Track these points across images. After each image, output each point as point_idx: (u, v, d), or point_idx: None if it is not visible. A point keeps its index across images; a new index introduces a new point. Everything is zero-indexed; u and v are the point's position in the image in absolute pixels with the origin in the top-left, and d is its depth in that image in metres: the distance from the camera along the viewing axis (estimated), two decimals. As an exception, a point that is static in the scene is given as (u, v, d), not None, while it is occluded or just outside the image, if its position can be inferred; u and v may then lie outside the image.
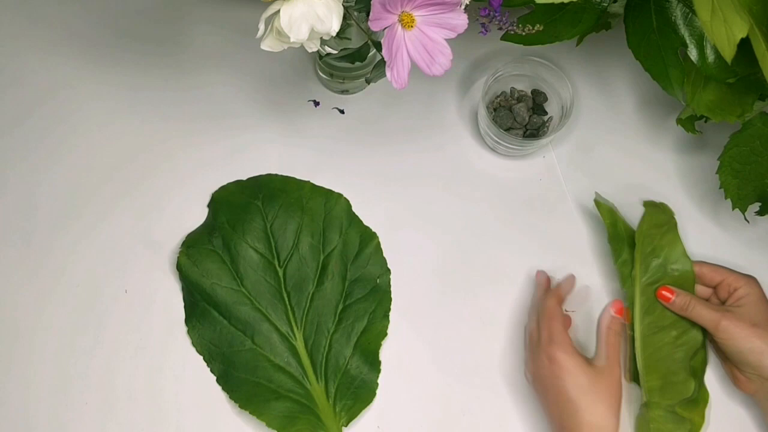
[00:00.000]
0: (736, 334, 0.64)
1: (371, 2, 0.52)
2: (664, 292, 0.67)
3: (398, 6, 0.54)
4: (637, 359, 0.68)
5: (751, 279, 0.67)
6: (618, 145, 0.78)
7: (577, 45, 0.73)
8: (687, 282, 0.68)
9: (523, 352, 0.71)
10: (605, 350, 0.66)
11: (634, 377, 0.68)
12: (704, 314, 0.66)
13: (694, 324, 0.67)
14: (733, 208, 0.69)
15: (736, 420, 0.70)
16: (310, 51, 0.56)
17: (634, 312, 0.69)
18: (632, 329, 0.69)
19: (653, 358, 0.67)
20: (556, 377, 0.64)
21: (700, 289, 0.69)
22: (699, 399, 0.68)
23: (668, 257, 0.69)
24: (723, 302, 0.68)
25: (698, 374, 0.68)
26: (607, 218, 0.72)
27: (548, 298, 0.68)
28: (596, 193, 0.72)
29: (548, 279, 0.72)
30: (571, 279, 0.72)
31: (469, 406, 0.71)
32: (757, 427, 0.69)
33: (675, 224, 0.70)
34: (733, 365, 0.67)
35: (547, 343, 0.65)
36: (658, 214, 0.70)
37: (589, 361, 0.65)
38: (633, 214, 0.73)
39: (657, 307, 0.68)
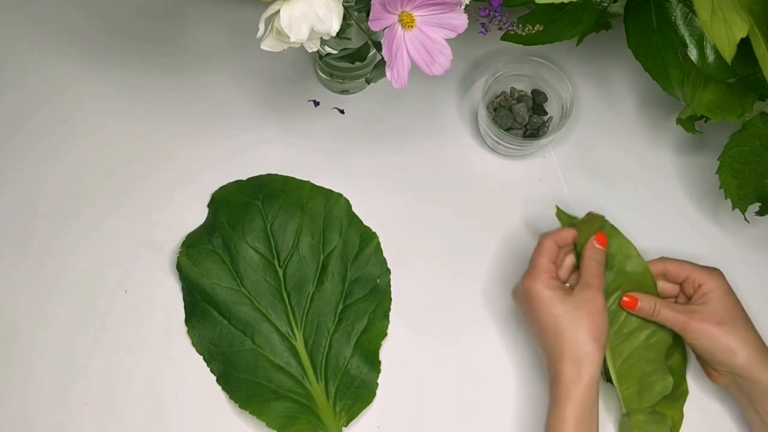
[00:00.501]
0: (704, 334, 0.64)
1: (371, 2, 0.52)
2: (627, 299, 0.66)
3: (398, 6, 0.54)
4: (610, 371, 0.67)
5: (716, 273, 0.67)
6: (618, 145, 0.78)
7: (577, 45, 0.73)
8: (646, 283, 0.67)
9: (525, 351, 0.71)
10: (586, 278, 0.65)
11: (608, 379, 0.68)
12: (671, 317, 0.65)
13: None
14: (733, 208, 0.69)
15: (714, 414, 0.70)
16: (310, 51, 0.56)
17: None
18: None
19: (626, 366, 0.67)
20: (531, 308, 0.64)
21: (667, 286, 0.68)
22: (678, 395, 0.68)
23: (622, 264, 0.68)
24: (689, 298, 0.67)
25: (678, 372, 0.68)
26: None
27: (546, 238, 0.67)
28: (557, 206, 0.71)
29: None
30: (573, 232, 0.69)
31: (469, 406, 0.70)
32: (734, 419, 0.69)
33: (612, 227, 0.68)
34: (705, 362, 0.67)
35: (527, 274, 0.65)
36: (590, 227, 0.68)
37: (567, 291, 0.64)
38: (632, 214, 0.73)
39: (620, 314, 0.67)
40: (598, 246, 0.66)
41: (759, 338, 0.64)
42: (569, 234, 0.67)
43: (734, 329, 0.64)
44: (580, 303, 0.63)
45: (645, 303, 0.66)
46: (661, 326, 0.67)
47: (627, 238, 0.68)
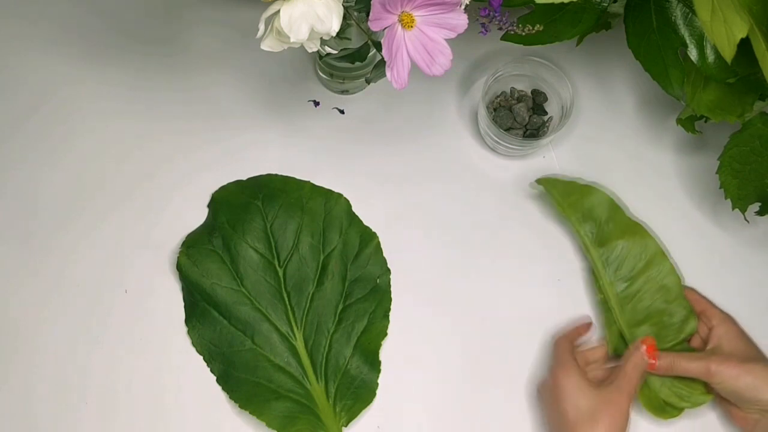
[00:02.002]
0: (728, 375, 0.64)
1: (371, 2, 0.52)
2: (647, 360, 0.66)
3: (398, 6, 0.54)
4: (619, 323, 0.69)
5: (728, 316, 0.68)
6: (618, 145, 0.78)
7: (577, 45, 0.73)
8: (674, 293, 0.70)
9: (526, 351, 0.72)
10: (620, 381, 0.65)
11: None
12: (692, 367, 0.65)
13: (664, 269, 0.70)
14: (733, 208, 0.69)
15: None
16: (310, 51, 0.56)
17: (600, 281, 0.70)
18: (602, 293, 0.70)
19: (637, 310, 0.69)
20: (557, 399, 0.64)
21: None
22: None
23: (649, 267, 0.70)
24: (703, 340, 0.69)
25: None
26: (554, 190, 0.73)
27: (561, 338, 0.69)
28: (536, 181, 0.74)
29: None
30: (587, 325, 0.71)
31: (469, 406, 0.70)
32: None
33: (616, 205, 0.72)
34: (731, 403, 0.67)
35: (553, 367, 0.66)
36: (584, 197, 0.72)
37: (594, 386, 0.65)
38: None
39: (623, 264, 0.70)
40: (646, 357, 0.66)
41: None
42: (582, 329, 0.70)
43: (756, 366, 0.64)
44: (606, 401, 0.63)
45: (663, 361, 0.66)
46: (666, 274, 0.69)
47: (633, 221, 0.72)
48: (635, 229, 0.71)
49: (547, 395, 0.66)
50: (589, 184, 0.73)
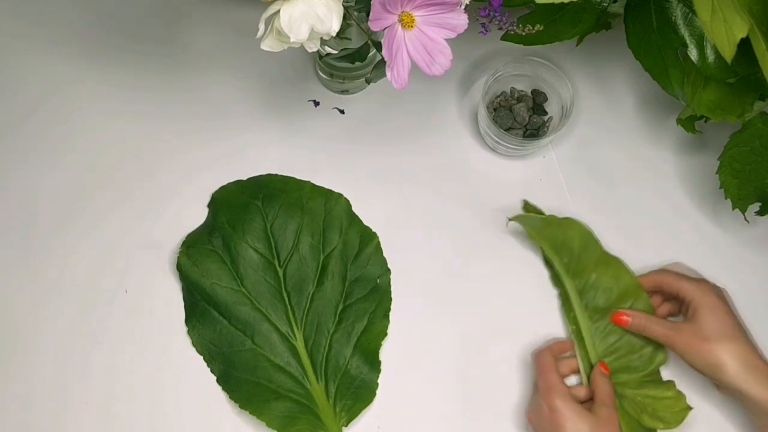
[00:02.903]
0: (690, 350, 0.65)
1: (371, 2, 0.52)
2: (622, 318, 0.68)
3: (398, 6, 0.54)
4: (591, 354, 0.69)
5: (705, 288, 0.67)
6: (618, 145, 0.78)
7: (577, 45, 0.73)
8: (635, 293, 0.70)
9: (526, 350, 0.72)
10: (601, 397, 0.66)
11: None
12: (659, 332, 0.67)
13: (632, 287, 0.70)
14: (733, 208, 0.69)
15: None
16: (310, 51, 0.56)
17: (572, 313, 0.71)
18: (574, 324, 0.71)
19: (608, 342, 0.69)
20: (557, 426, 0.64)
21: (663, 308, 0.71)
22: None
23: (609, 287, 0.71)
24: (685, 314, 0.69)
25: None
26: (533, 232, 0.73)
27: (543, 352, 0.69)
28: (524, 200, 0.75)
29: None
30: (567, 343, 0.72)
31: (469, 406, 0.71)
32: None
33: (593, 239, 0.72)
34: None
35: (545, 393, 0.66)
36: (565, 230, 0.72)
37: (586, 407, 0.66)
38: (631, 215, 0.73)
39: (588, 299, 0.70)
40: (604, 372, 0.68)
41: (751, 352, 0.64)
42: (564, 345, 0.71)
43: (720, 345, 0.64)
44: (604, 421, 0.64)
45: (635, 320, 0.68)
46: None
47: (608, 254, 0.71)
48: (609, 262, 0.71)
49: (544, 423, 0.65)
50: (567, 217, 0.72)
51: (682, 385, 0.69)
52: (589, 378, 0.69)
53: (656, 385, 0.69)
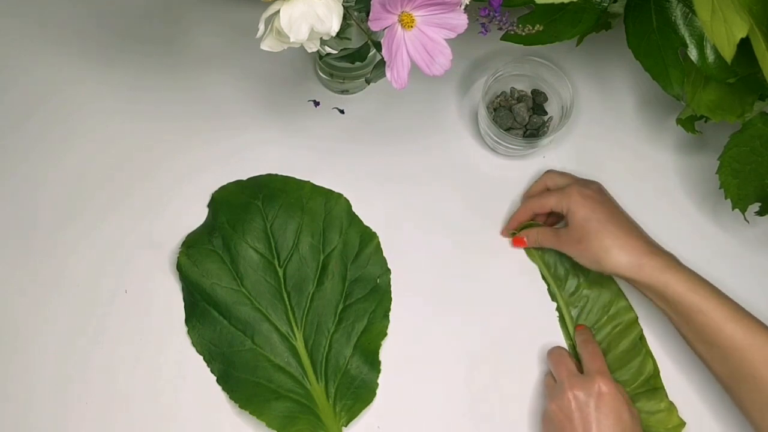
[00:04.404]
0: (573, 253, 0.69)
1: (371, 2, 0.52)
2: (521, 241, 0.74)
3: (398, 6, 0.54)
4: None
5: (568, 194, 0.69)
6: (618, 145, 0.78)
7: (577, 45, 0.73)
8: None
9: (527, 350, 0.72)
10: (588, 366, 0.67)
11: None
12: (548, 243, 0.71)
13: (621, 309, 0.72)
14: (733, 208, 0.69)
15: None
16: (310, 51, 0.56)
17: (568, 328, 0.72)
18: (570, 339, 0.72)
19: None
20: (616, 405, 0.63)
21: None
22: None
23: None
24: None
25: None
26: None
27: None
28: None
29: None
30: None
31: (469, 406, 0.71)
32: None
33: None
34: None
35: (591, 376, 0.65)
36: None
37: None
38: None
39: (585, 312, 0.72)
40: (580, 330, 0.71)
41: (626, 237, 0.66)
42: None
43: (593, 243, 0.66)
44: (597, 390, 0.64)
45: (530, 237, 0.73)
46: (625, 311, 0.72)
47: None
48: (602, 282, 0.72)
49: (589, 407, 0.63)
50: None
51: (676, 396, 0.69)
52: None
53: (648, 398, 0.69)
